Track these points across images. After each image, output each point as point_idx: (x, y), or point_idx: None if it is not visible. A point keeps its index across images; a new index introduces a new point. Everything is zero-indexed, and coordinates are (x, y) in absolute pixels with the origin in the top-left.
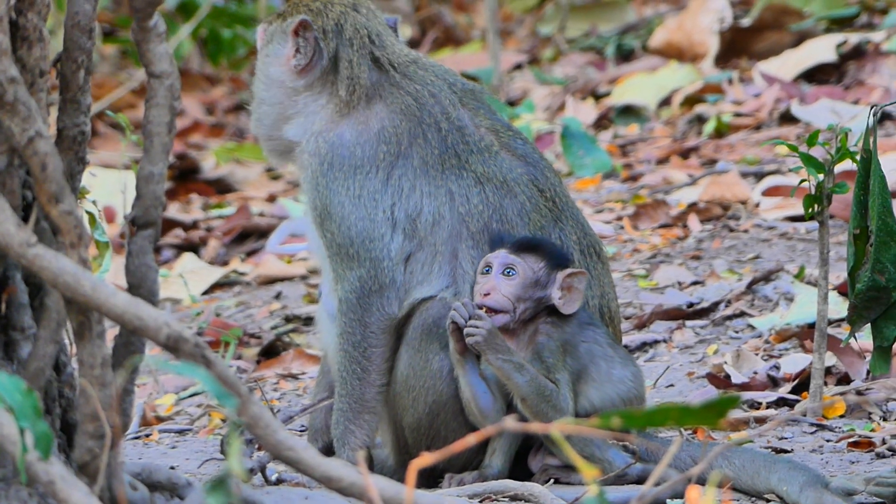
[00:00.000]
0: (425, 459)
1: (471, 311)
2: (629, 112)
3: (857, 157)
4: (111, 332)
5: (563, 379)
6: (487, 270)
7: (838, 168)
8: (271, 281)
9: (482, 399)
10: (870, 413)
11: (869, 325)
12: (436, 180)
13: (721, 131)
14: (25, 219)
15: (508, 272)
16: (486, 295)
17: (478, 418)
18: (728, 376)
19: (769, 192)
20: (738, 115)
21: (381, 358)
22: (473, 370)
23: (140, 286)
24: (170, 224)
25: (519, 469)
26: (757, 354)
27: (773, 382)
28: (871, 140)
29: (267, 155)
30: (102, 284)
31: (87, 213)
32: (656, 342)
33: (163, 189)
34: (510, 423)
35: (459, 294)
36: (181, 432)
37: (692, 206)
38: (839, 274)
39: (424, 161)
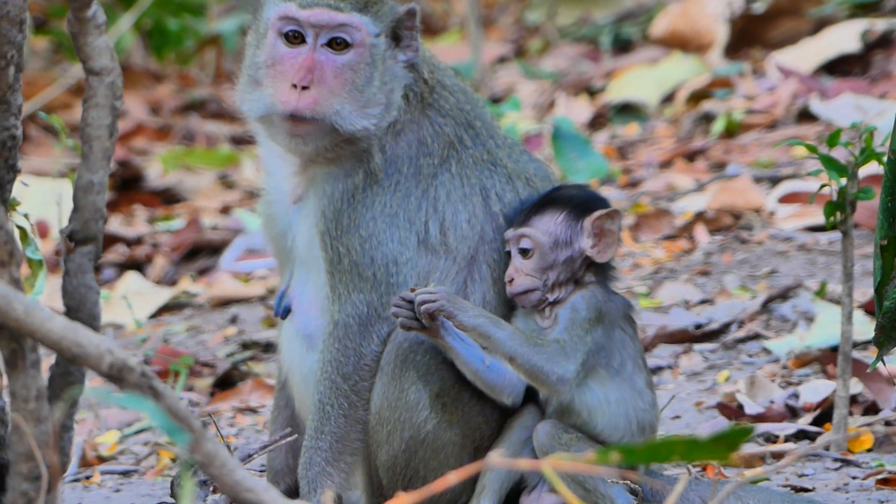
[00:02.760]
0: (402, 501)
1: (407, 296)
2: (628, 110)
3: (884, 159)
4: (47, 360)
5: (584, 340)
6: (510, 255)
7: (863, 171)
8: (226, 303)
9: (488, 373)
10: None
11: None
12: (470, 180)
13: (731, 131)
14: None
15: (524, 250)
16: (510, 282)
17: (492, 394)
18: (741, 406)
19: (786, 199)
20: (750, 112)
21: (368, 392)
22: (465, 344)
23: (79, 309)
24: (111, 239)
25: None
26: (773, 381)
27: (792, 412)
28: None
29: (303, 140)
30: (37, 307)
31: (19, 227)
32: (660, 368)
33: (104, 200)
34: (496, 458)
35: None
36: (126, 473)
37: (699, 216)
38: (865, 290)
39: (462, 164)
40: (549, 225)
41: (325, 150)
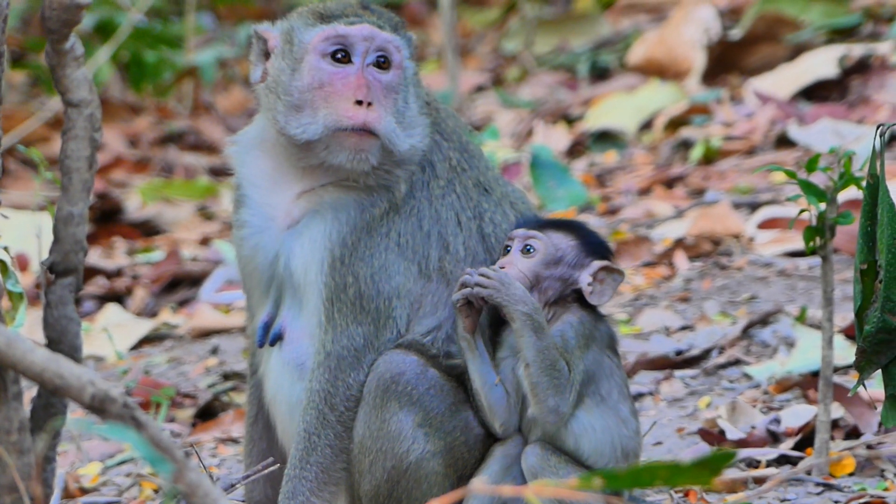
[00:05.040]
0: None
1: (480, 270)
2: (606, 137)
3: (863, 184)
4: (29, 392)
5: (578, 368)
6: (508, 249)
7: (842, 196)
8: (206, 334)
9: (492, 393)
10: (882, 470)
11: (879, 371)
12: (470, 203)
13: (710, 157)
14: None
15: (528, 248)
16: (501, 269)
17: (486, 415)
18: (723, 432)
19: (765, 225)
20: (728, 138)
21: (353, 422)
22: (483, 357)
23: (60, 341)
24: (91, 272)
25: None
26: (755, 407)
27: (774, 438)
28: (879, 164)
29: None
30: (18, 339)
31: None
32: (642, 395)
33: (84, 232)
34: (478, 485)
35: (448, 337)
36: None
37: (679, 242)
38: (845, 315)
39: (464, 187)
40: (561, 241)
41: (368, 173)
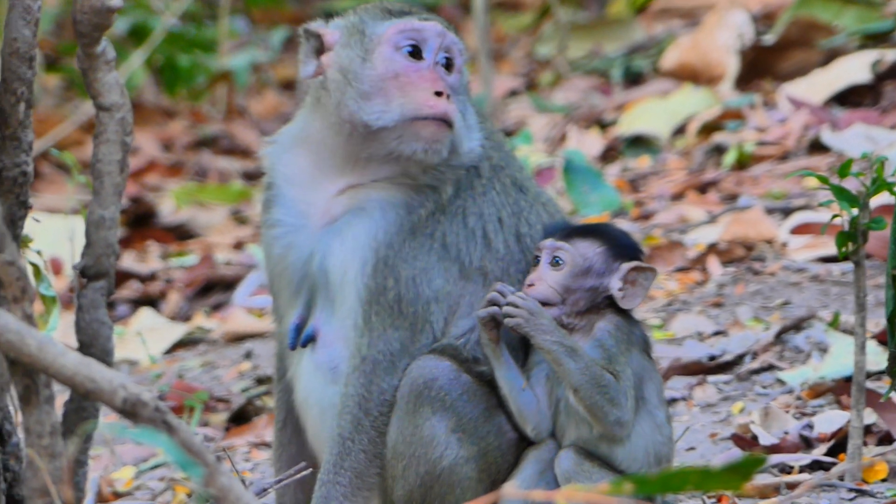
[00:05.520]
0: None
1: (509, 292)
2: (639, 142)
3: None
4: (61, 396)
5: (626, 373)
6: (537, 261)
7: (874, 201)
8: (240, 338)
9: (521, 398)
10: None
11: None
12: (509, 201)
13: (743, 162)
14: None
15: (556, 261)
16: (530, 286)
17: (517, 419)
18: (755, 437)
19: (798, 230)
20: (761, 143)
21: (387, 427)
22: (509, 363)
23: (92, 344)
24: (125, 276)
25: None
26: (788, 412)
27: (807, 443)
28: None
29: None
30: (50, 343)
31: (32, 264)
32: (675, 400)
33: (115, 235)
34: (510, 490)
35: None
36: None
37: (712, 247)
38: (877, 320)
39: (503, 184)
40: (588, 250)
41: (433, 167)
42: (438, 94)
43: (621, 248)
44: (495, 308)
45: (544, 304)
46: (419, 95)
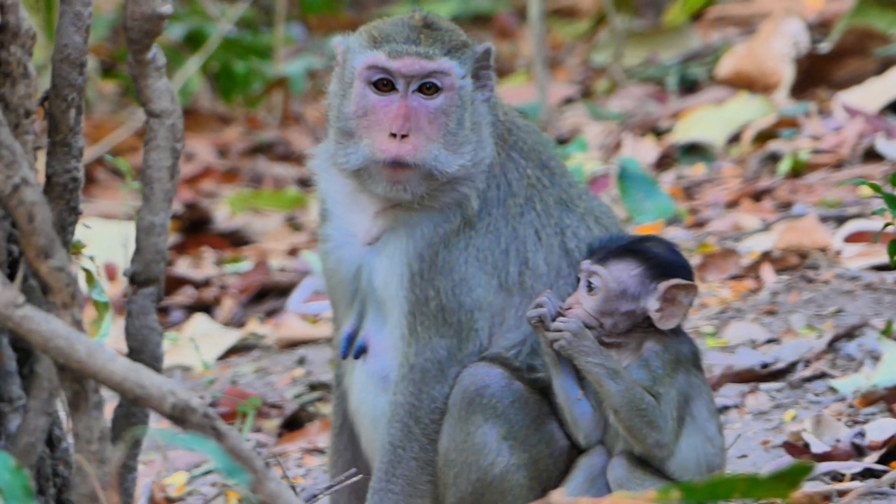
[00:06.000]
0: None
1: (554, 308)
2: (694, 150)
3: None
4: (110, 402)
5: (669, 395)
6: (579, 281)
7: None
8: (294, 344)
9: (576, 407)
10: None
11: None
12: (551, 219)
13: (797, 170)
14: (12, 276)
15: (591, 286)
16: (568, 309)
17: (571, 428)
18: (807, 445)
19: (852, 238)
20: (816, 151)
21: (438, 434)
22: (566, 372)
23: (141, 350)
24: (179, 282)
25: None
26: (840, 420)
27: (858, 451)
28: None
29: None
30: (99, 349)
31: (84, 269)
32: (727, 408)
33: (165, 241)
34: (557, 497)
35: (533, 350)
36: None
37: (766, 255)
38: None
39: (544, 203)
40: (622, 274)
41: (423, 196)
42: (394, 135)
43: (660, 266)
44: (543, 310)
45: (585, 325)
46: (377, 138)
